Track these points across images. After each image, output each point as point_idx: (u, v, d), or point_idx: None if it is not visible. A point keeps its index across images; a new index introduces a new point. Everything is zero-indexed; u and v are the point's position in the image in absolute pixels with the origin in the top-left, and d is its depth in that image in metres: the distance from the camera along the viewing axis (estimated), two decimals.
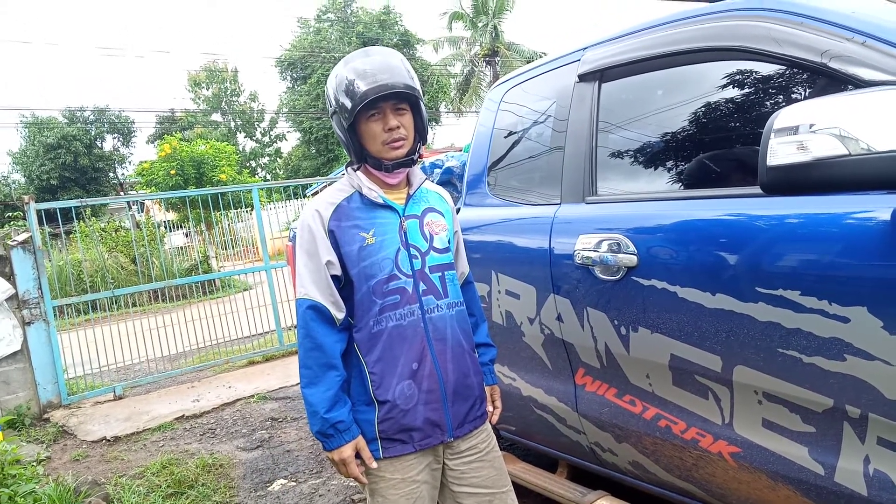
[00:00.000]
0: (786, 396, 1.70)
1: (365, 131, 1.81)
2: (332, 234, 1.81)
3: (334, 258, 1.81)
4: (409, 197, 1.90)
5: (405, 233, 1.86)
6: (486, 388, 2.04)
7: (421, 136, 1.89)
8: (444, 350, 1.85)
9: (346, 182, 1.90)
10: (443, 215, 1.97)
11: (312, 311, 1.79)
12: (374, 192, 1.84)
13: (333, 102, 1.83)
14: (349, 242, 1.81)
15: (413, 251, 1.85)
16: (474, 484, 1.91)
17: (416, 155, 1.89)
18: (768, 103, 1.90)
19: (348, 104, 1.77)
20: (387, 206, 1.86)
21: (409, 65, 1.85)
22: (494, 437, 2.00)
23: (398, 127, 1.80)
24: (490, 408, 2.04)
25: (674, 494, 2.19)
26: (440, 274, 1.89)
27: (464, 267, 2.10)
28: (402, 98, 1.81)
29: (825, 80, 1.72)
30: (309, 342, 1.79)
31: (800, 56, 1.74)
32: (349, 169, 1.91)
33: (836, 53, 1.66)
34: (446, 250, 1.93)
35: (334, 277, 1.82)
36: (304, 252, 1.83)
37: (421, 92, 1.84)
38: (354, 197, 1.86)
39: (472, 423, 1.90)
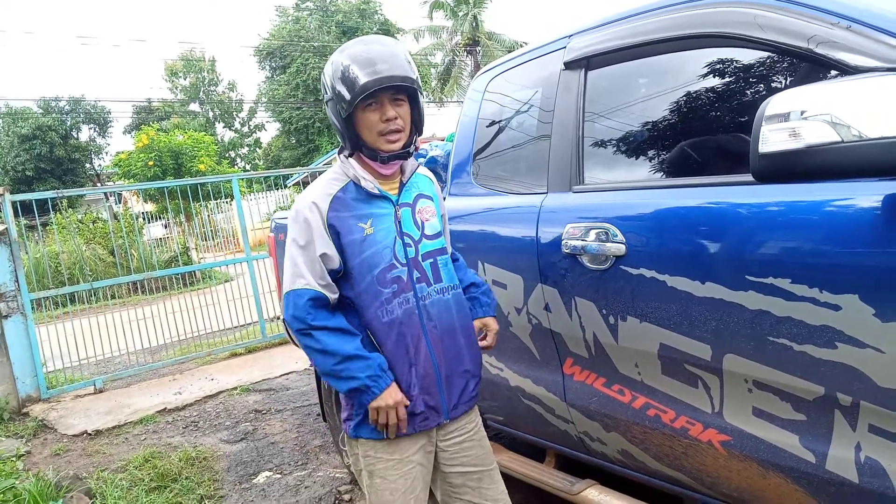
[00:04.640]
0: (776, 385, 1.70)
1: (361, 120, 1.80)
2: (332, 228, 1.81)
3: (332, 251, 1.81)
4: (402, 185, 1.91)
5: (400, 222, 1.87)
6: (478, 322, 2.11)
7: (417, 127, 1.88)
8: (437, 335, 1.88)
9: (339, 171, 1.88)
10: (432, 200, 1.99)
11: (313, 302, 1.80)
12: (370, 183, 1.85)
13: (330, 90, 1.81)
14: (349, 233, 1.82)
15: (407, 240, 1.87)
16: (465, 463, 1.96)
17: (412, 147, 1.88)
18: (755, 90, 1.89)
19: (346, 94, 1.74)
20: (382, 196, 1.86)
21: (409, 54, 1.83)
22: (480, 417, 2.07)
23: (395, 118, 1.78)
24: (482, 343, 2.12)
25: (663, 483, 2.19)
26: (432, 260, 1.91)
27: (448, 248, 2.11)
28: (400, 89, 1.79)
29: (811, 66, 1.71)
30: (319, 330, 1.79)
31: (785, 42, 1.73)
32: (341, 156, 1.89)
33: (822, 39, 1.65)
34: (437, 235, 1.95)
35: (330, 271, 1.83)
36: (300, 244, 1.82)
37: (420, 83, 1.82)
38: (350, 187, 1.86)
39: (466, 404, 1.96)
